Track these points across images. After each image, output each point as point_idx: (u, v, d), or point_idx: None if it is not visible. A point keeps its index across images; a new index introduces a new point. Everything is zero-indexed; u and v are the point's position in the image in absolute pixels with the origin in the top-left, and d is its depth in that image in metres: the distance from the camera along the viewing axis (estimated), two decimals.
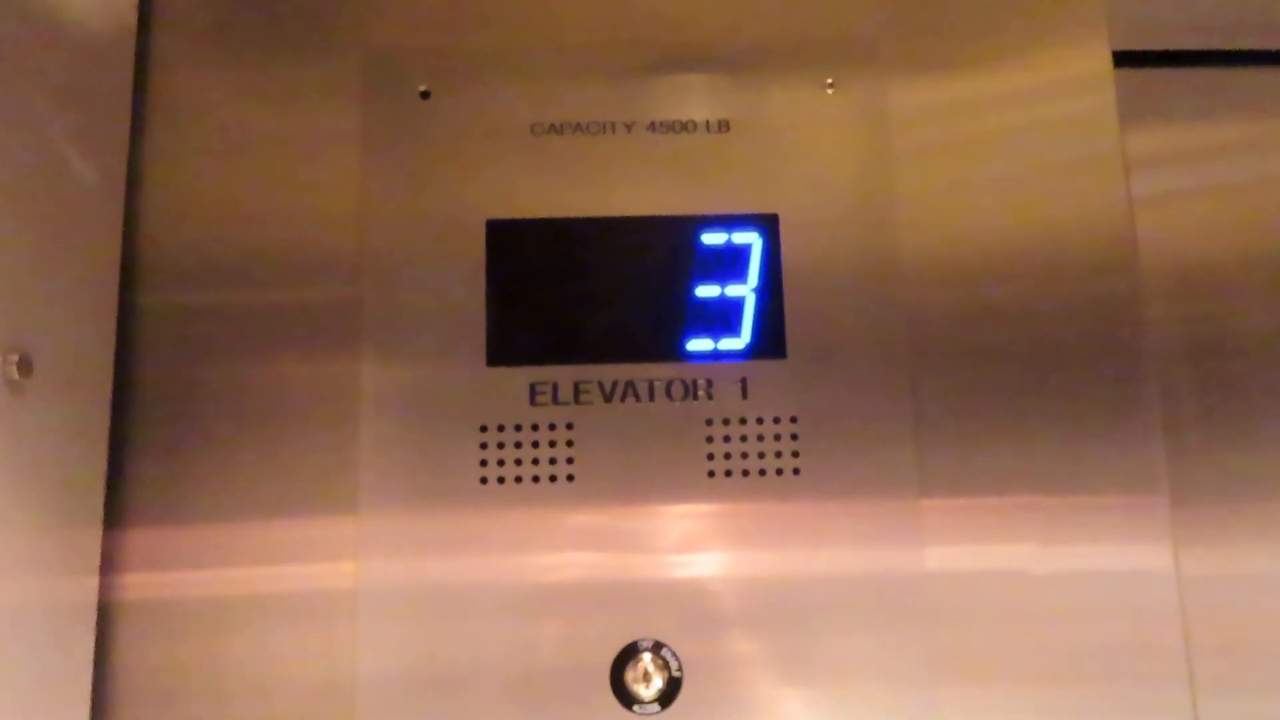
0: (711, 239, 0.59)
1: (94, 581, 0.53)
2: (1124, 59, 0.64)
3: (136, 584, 0.54)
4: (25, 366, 0.47)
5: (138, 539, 0.55)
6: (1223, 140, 0.68)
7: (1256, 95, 0.67)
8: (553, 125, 0.60)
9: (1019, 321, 0.59)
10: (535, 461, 0.56)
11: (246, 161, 0.59)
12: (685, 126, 0.60)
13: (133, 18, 0.59)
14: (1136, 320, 0.59)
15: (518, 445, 0.56)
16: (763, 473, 0.56)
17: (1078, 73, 0.62)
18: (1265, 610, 0.59)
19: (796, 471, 0.56)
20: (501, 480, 0.56)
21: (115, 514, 0.55)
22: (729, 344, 0.58)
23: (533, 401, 0.56)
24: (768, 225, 0.59)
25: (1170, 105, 0.68)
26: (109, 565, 0.54)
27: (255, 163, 0.59)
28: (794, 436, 0.57)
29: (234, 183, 0.59)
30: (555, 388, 0.57)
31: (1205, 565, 0.59)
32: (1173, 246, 0.64)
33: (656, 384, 0.57)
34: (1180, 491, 0.59)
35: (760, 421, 0.57)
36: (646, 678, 0.53)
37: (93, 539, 0.54)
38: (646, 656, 0.54)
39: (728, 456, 0.56)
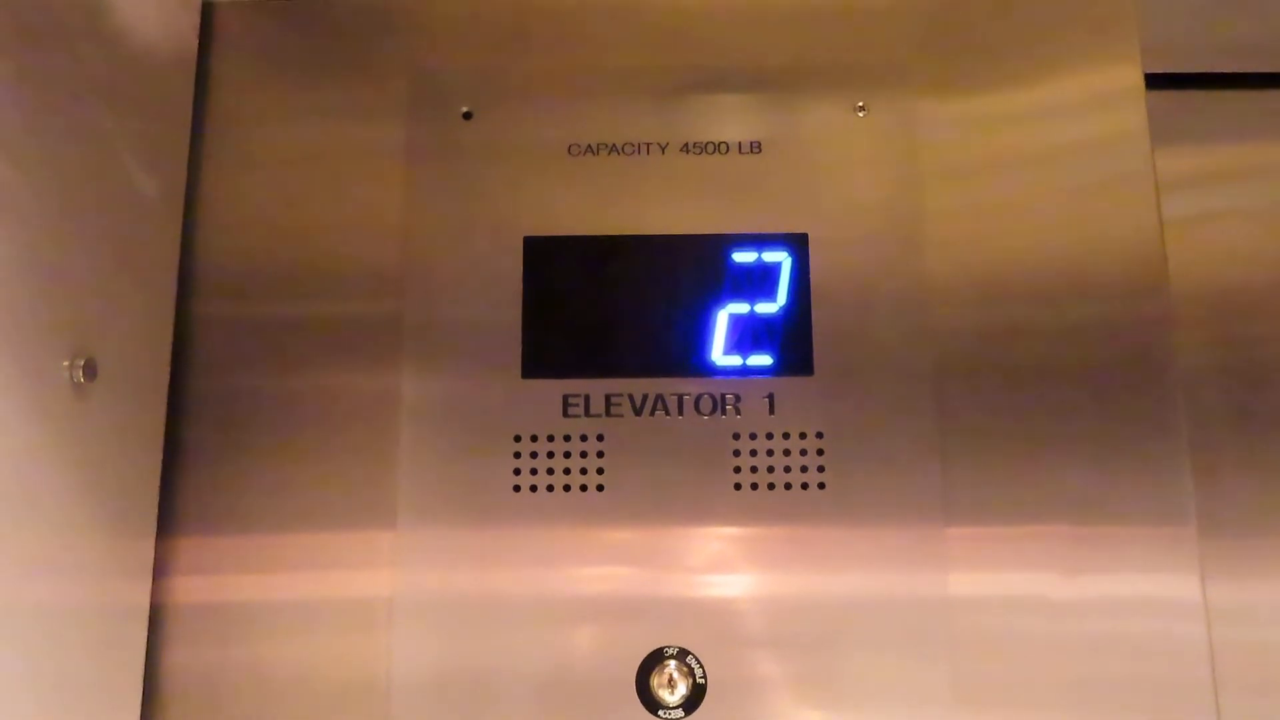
0: (742, 257, 0.60)
1: (147, 585, 0.56)
2: (1156, 81, 0.64)
3: (187, 588, 0.57)
4: (90, 370, 0.50)
5: (189, 545, 0.57)
6: (1256, 163, 0.67)
7: None
8: (589, 146, 0.62)
9: (1047, 345, 0.59)
10: (567, 471, 0.58)
11: (297, 178, 0.62)
12: (718, 147, 0.62)
13: (194, 39, 0.62)
14: (1166, 345, 0.59)
15: (550, 455, 0.58)
16: (788, 486, 0.57)
17: (1110, 95, 0.63)
18: None
19: (822, 486, 0.57)
20: (534, 489, 0.57)
21: (167, 520, 0.57)
22: (757, 360, 0.59)
23: (565, 413, 0.58)
24: (797, 244, 0.60)
25: (1203, 128, 0.68)
26: (160, 569, 0.56)
27: (305, 179, 0.61)
28: (820, 452, 0.58)
29: (284, 198, 0.61)
30: (587, 400, 0.58)
31: (1234, 596, 0.58)
32: (1204, 270, 0.63)
33: (686, 398, 0.59)
34: (1210, 520, 0.58)
35: (786, 436, 0.58)
36: (671, 684, 0.54)
37: (147, 541, 0.56)
38: (672, 663, 0.55)
39: (754, 470, 0.58)
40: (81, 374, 0.49)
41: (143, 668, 0.55)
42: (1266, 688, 0.57)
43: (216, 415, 0.58)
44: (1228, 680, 0.56)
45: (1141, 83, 0.63)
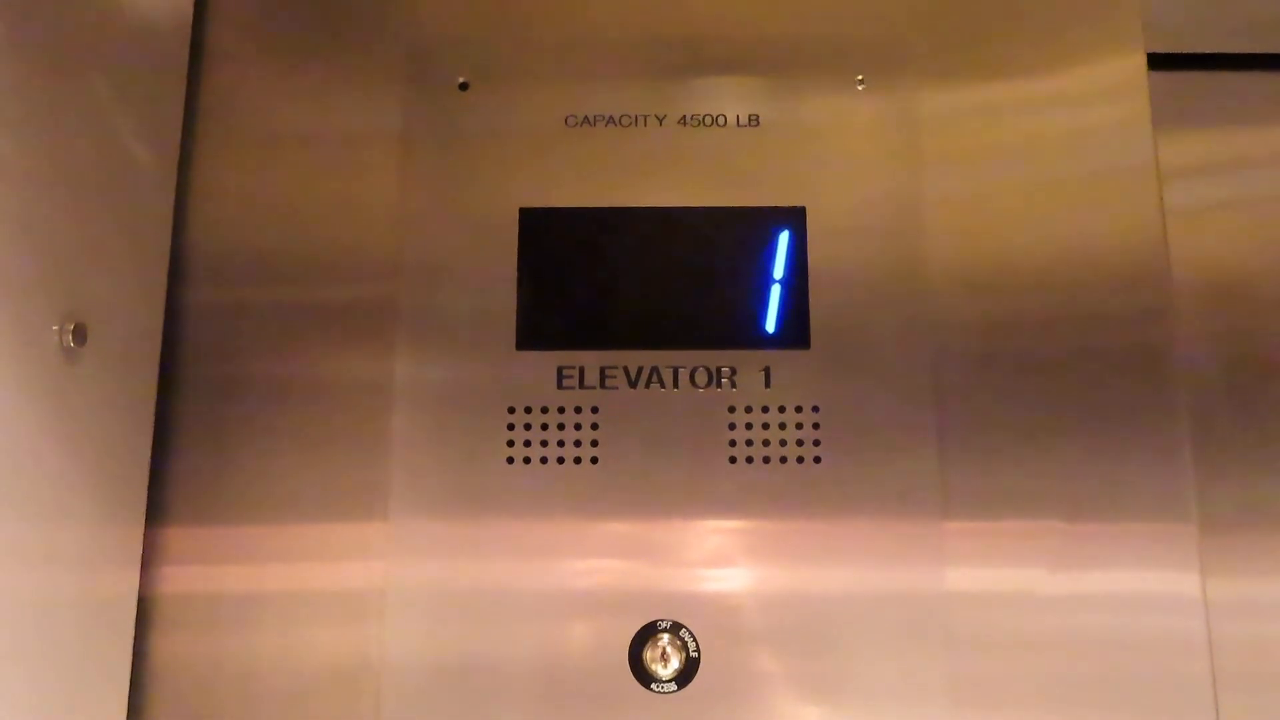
0: (739, 230, 0.60)
1: (135, 573, 0.55)
2: (1159, 61, 0.63)
3: (175, 577, 0.56)
4: (80, 335, 0.49)
5: (179, 533, 0.56)
6: (1262, 148, 0.65)
7: None
8: (586, 117, 0.61)
9: (1045, 334, 0.58)
10: (561, 444, 0.57)
11: (291, 152, 0.61)
12: (715, 120, 0.61)
13: (189, 8, 0.62)
14: (1168, 337, 0.58)
15: (544, 427, 0.57)
16: (784, 460, 0.57)
17: (1112, 80, 0.62)
18: None
19: (818, 460, 0.57)
20: (528, 460, 0.57)
21: (156, 509, 0.56)
22: (753, 333, 0.58)
23: (560, 385, 0.58)
24: (795, 218, 0.60)
25: (1207, 110, 0.66)
26: (150, 559, 0.56)
27: (300, 152, 0.61)
28: (815, 425, 0.57)
29: (278, 173, 0.61)
30: (582, 372, 0.58)
31: (1234, 591, 0.57)
32: (1207, 259, 0.62)
33: (681, 370, 0.58)
34: (1210, 514, 0.57)
35: (783, 409, 0.57)
36: (665, 658, 0.54)
37: (136, 521, 0.55)
38: (665, 637, 0.54)
39: (749, 443, 0.57)
40: (71, 338, 0.49)
41: (130, 658, 0.54)
42: (1266, 684, 0.57)
43: (207, 403, 0.58)
44: (1227, 677, 0.55)
45: (1144, 68, 0.62)
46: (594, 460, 0.57)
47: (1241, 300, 0.62)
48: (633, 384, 0.58)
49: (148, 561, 0.56)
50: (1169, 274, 0.59)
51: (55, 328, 0.48)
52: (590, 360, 0.58)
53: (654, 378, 0.58)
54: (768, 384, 0.58)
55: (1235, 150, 0.66)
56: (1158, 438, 0.57)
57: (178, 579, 0.56)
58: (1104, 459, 0.57)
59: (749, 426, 0.57)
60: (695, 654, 0.55)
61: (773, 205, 0.60)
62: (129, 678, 0.54)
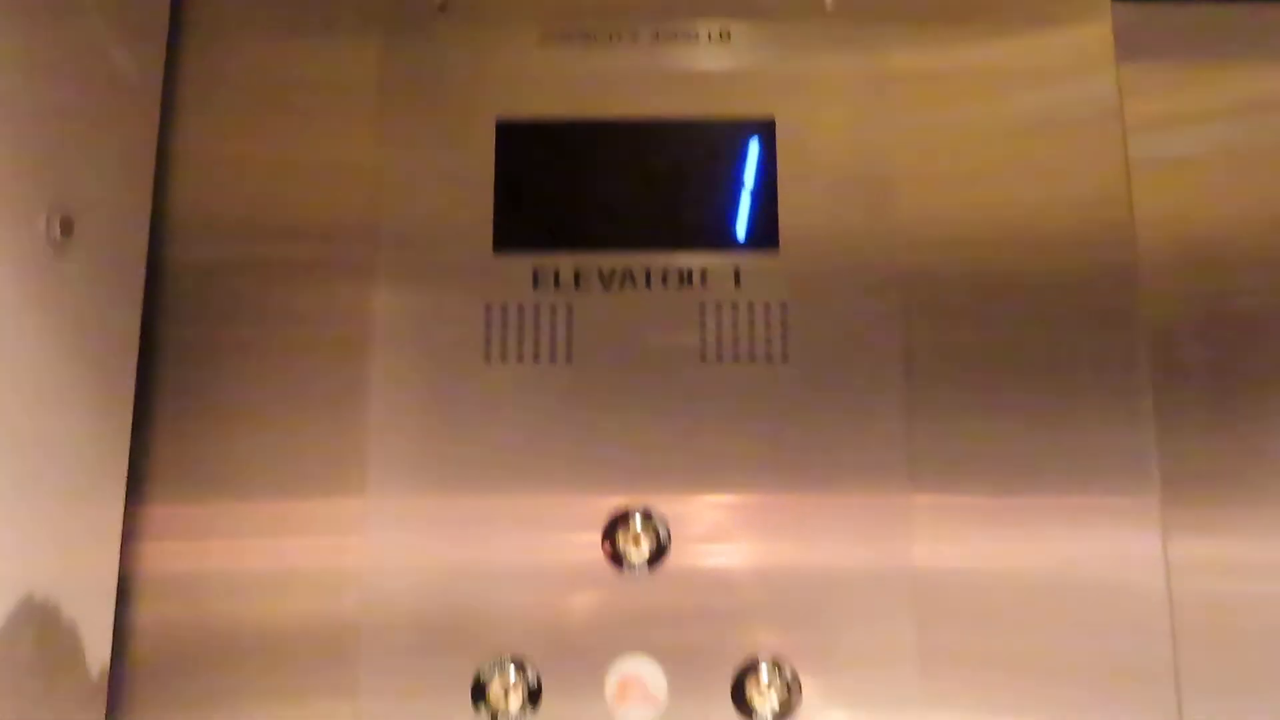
0: (710, 139, 0.61)
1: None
2: None
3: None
4: (67, 227, 0.51)
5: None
6: (1235, 91, 0.62)
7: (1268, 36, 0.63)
8: (562, 33, 0.63)
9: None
10: (536, 342, 0.59)
11: (274, 74, 0.62)
12: (688, 35, 0.63)
13: None
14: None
15: (520, 327, 0.59)
16: (753, 358, 0.59)
17: (1078, 36, 0.62)
18: (1255, 604, 0.56)
19: (785, 357, 0.59)
20: (504, 358, 0.59)
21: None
22: (724, 236, 0.60)
23: (535, 286, 0.59)
24: (765, 128, 0.61)
25: (1174, 46, 0.64)
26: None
27: (279, 76, 0.62)
28: (783, 324, 0.59)
29: (261, 101, 0.62)
30: (557, 273, 0.60)
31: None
32: (1173, 216, 0.60)
33: (653, 272, 0.60)
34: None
35: (751, 308, 0.59)
36: (636, 541, 0.56)
37: (124, 405, 0.57)
38: (638, 519, 0.56)
39: (719, 341, 0.59)
40: (58, 229, 0.50)
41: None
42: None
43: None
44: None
45: (1110, 26, 0.62)
46: (568, 359, 0.59)
47: (1211, 259, 0.60)
48: (606, 285, 0.59)
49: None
50: (1133, 229, 0.58)
51: (43, 218, 0.50)
52: (565, 262, 0.60)
53: (627, 279, 0.60)
54: (737, 284, 0.59)
55: (1205, 93, 0.63)
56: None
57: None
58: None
59: (719, 325, 0.59)
60: (666, 540, 0.56)
61: (743, 117, 0.62)
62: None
